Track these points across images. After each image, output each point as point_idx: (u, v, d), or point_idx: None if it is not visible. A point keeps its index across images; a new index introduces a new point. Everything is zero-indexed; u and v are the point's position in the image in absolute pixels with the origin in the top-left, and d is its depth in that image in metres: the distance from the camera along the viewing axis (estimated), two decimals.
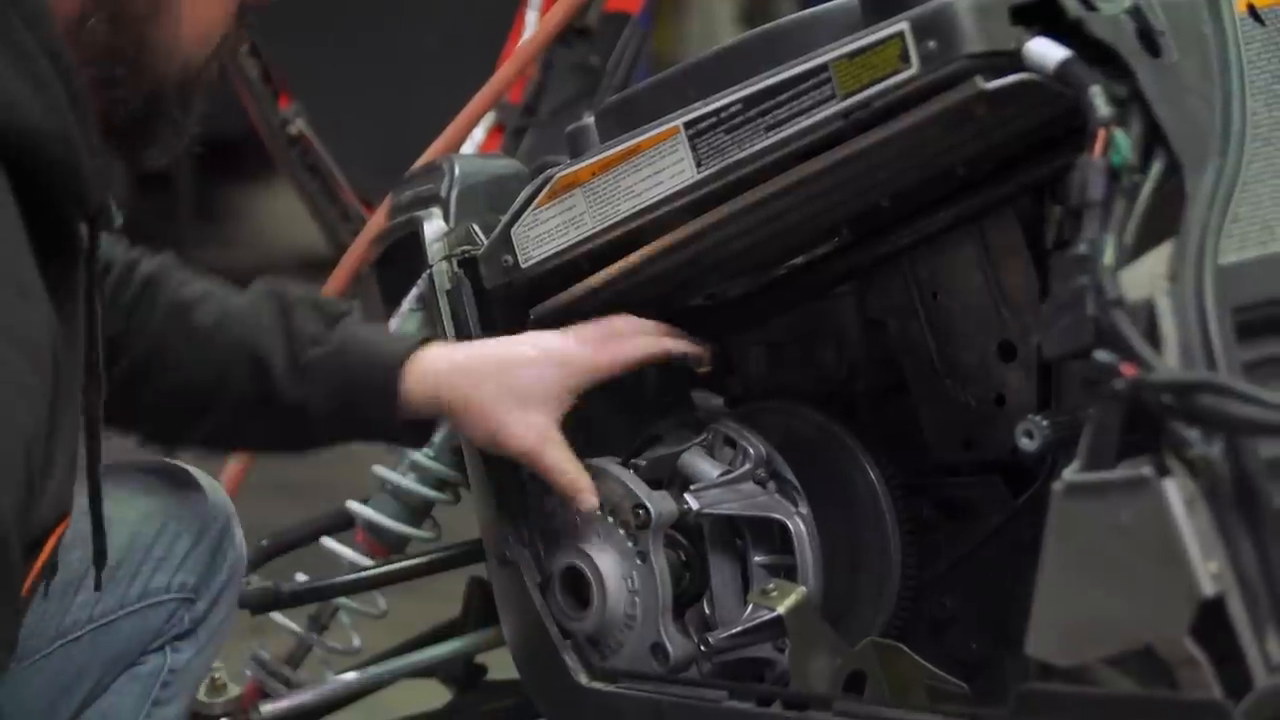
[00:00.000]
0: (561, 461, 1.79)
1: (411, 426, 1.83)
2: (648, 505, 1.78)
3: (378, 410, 1.80)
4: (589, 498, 1.80)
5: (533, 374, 1.80)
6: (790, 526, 1.79)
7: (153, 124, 1.49)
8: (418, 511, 2.22)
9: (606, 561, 1.81)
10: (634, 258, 1.81)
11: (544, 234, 1.85)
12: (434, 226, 1.97)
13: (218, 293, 1.83)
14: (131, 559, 1.74)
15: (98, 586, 1.66)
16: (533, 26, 2.71)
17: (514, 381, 1.80)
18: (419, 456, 2.20)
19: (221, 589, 1.81)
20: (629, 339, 1.83)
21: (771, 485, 1.82)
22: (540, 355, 1.81)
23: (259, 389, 1.79)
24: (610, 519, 1.81)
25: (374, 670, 2.22)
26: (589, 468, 1.82)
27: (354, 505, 2.22)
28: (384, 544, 2.21)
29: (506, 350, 1.83)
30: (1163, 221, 1.51)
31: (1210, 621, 1.38)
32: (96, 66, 1.44)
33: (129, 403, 1.76)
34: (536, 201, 1.85)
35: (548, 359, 1.81)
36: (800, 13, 1.75)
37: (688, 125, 1.73)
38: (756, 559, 1.80)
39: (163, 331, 1.79)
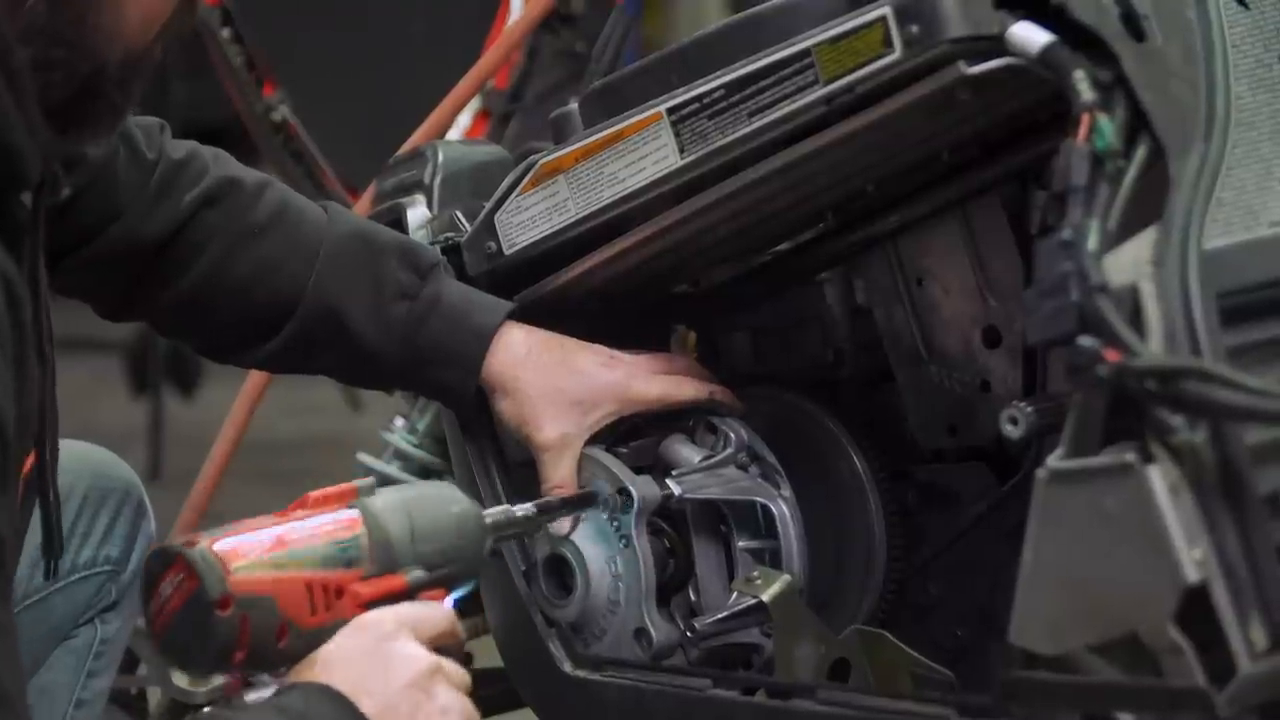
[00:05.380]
0: (561, 476, 1.80)
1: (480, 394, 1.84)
2: (630, 489, 1.77)
3: (456, 380, 1.81)
4: (562, 522, 1.80)
5: (586, 382, 1.81)
6: (773, 509, 1.79)
7: (90, 107, 1.47)
8: None
9: (589, 547, 1.80)
10: (617, 245, 1.80)
11: (527, 220, 1.84)
12: (417, 213, 1.96)
13: (291, 214, 1.82)
14: None
15: (49, 575, 1.70)
16: (518, 12, 2.70)
17: (565, 383, 1.81)
18: (403, 444, 2.20)
19: (141, 560, 1.82)
20: (684, 381, 1.84)
21: (754, 469, 1.82)
22: (603, 371, 1.82)
23: (331, 331, 1.80)
24: None
25: None
26: None
27: None
28: None
29: (573, 350, 1.83)
30: (1147, 207, 1.50)
31: (1194, 608, 1.38)
32: (34, 47, 1.42)
33: (188, 320, 1.83)
34: (520, 188, 1.84)
35: (608, 376, 1.82)
36: None
37: (670, 111, 1.72)
38: (740, 544, 1.80)
39: (229, 259, 1.80)
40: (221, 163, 1.83)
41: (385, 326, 1.79)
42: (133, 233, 1.77)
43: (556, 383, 1.80)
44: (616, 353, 1.84)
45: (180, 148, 1.81)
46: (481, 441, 1.89)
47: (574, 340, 1.84)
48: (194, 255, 1.79)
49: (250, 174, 1.84)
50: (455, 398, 1.85)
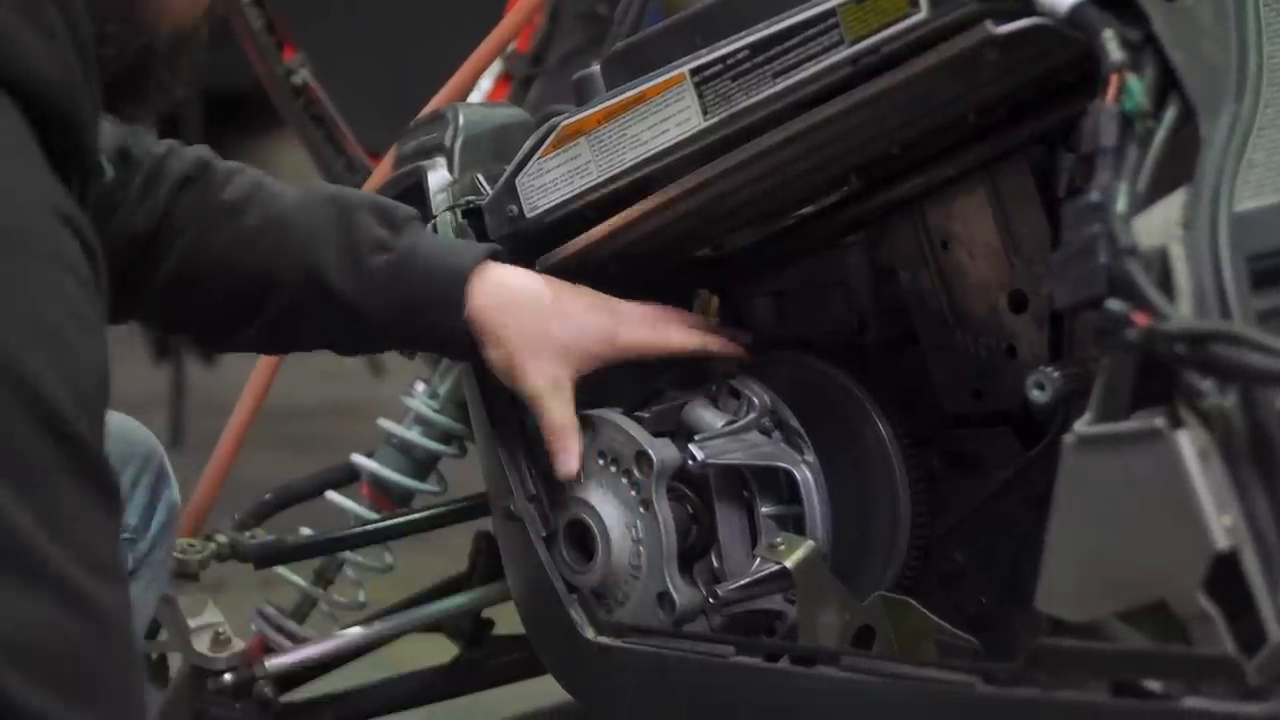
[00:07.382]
0: (560, 416, 1.79)
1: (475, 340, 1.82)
2: (649, 452, 1.76)
3: (443, 322, 1.79)
4: (569, 461, 1.79)
5: (574, 326, 1.80)
6: (797, 475, 1.77)
7: (141, 83, 1.46)
8: (423, 465, 2.21)
9: (610, 511, 1.79)
10: (639, 207, 1.79)
11: (549, 183, 1.83)
12: (438, 176, 1.95)
13: (264, 192, 1.82)
14: None
15: None
16: None
17: (552, 325, 1.79)
18: (424, 409, 2.19)
19: (161, 528, 1.84)
20: (675, 328, 1.84)
21: (777, 434, 1.80)
22: (590, 313, 1.81)
23: (314, 294, 1.79)
24: (613, 468, 1.79)
25: (380, 625, 2.21)
26: (592, 419, 1.81)
27: (359, 459, 2.21)
28: (389, 498, 2.20)
29: (561, 293, 1.82)
30: (1177, 168, 1.48)
31: (1224, 575, 1.36)
32: (89, 21, 1.41)
33: (174, 307, 1.81)
34: (541, 150, 1.83)
35: (596, 319, 1.81)
36: None
37: (694, 72, 1.71)
38: (763, 510, 1.78)
39: (206, 237, 1.79)
40: (198, 151, 1.84)
41: (366, 280, 1.78)
42: (122, 230, 1.77)
43: (544, 325, 1.79)
44: (606, 297, 1.83)
45: (161, 145, 1.82)
46: (503, 405, 1.88)
47: (560, 282, 1.83)
48: (173, 239, 1.79)
49: (224, 161, 1.84)
50: (448, 342, 1.83)
